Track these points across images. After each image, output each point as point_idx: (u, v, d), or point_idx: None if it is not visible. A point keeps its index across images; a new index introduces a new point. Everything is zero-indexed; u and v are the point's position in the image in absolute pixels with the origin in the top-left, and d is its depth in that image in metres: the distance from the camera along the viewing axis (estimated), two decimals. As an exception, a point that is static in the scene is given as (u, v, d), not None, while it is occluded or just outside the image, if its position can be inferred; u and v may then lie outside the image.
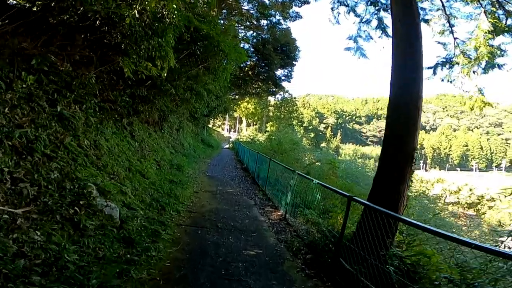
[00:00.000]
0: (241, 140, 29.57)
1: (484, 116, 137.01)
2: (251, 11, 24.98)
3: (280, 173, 8.20)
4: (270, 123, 46.87)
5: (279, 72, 29.69)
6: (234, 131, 68.45)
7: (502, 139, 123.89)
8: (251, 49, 26.68)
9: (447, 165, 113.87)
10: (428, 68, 7.53)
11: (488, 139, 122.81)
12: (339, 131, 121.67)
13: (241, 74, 28.77)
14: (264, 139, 26.14)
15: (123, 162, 6.07)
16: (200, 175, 11.57)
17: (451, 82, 7.41)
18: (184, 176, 9.49)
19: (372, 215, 3.37)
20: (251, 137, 30.98)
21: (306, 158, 17.50)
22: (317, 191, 5.17)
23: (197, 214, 6.04)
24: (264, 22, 25.84)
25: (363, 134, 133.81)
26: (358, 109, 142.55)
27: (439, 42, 7.67)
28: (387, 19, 8.16)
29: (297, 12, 25.67)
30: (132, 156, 6.97)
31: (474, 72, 6.79)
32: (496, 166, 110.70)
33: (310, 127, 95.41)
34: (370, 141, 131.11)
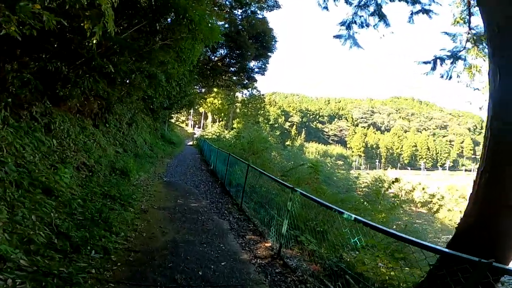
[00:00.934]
0: (207, 137, 27.06)
1: (432, 119, 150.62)
2: (226, 2, 22.51)
3: (263, 182, 6.29)
4: (237, 119, 44.79)
5: (253, 63, 27.54)
6: (199, 127, 64.94)
7: (446, 140, 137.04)
8: (223, 37, 24.22)
9: (399, 164, 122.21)
10: (425, 62, 6.85)
11: (434, 140, 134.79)
12: (303, 129, 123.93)
13: (209, 65, 26.13)
14: (233, 137, 24.05)
15: (10, 171, 3.61)
16: (155, 181, 9.14)
17: (450, 78, 6.78)
18: (129, 185, 7.07)
19: None
20: (217, 134, 28.60)
21: (285, 161, 15.87)
22: (355, 231, 3.10)
23: (141, 255, 3.80)
24: (238, 12, 23.47)
25: (325, 133, 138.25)
26: (321, 108, 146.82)
27: (446, 33, 6.72)
28: (387, 5, 6.94)
29: (275, 1, 23.73)
30: (38, 161, 4.47)
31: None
32: (441, 166, 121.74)
33: (276, 125, 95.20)
34: (331, 140, 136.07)
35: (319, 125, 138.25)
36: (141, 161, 10.40)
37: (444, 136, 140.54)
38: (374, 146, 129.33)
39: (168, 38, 8.06)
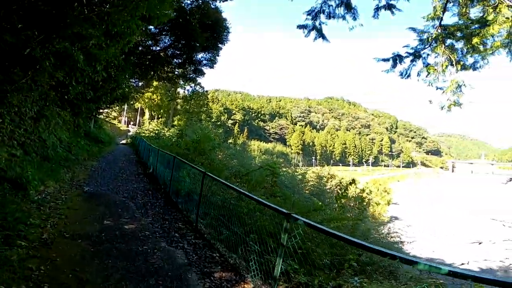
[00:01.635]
0: (144, 135, 23.96)
1: (358, 118, 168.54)
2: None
3: (229, 196, 4.93)
4: (178, 116, 41.56)
5: (201, 55, 24.86)
6: (134, 124, 58.62)
7: (369, 139, 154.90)
8: (167, 28, 21.29)
9: (331, 161, 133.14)
10: (384, 60, 6.49)
11: (360, 139, 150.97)
12: (246, 127, 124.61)
13: (149, 56, 22.91)
14: (174, 135, 21.76)
15: None
16: (71, 192, 6.89)
17: (409, 76, 6.50)
18: (26, 202, 4.93)
19: None
20: (156, 132, 25.65)
21: (234, 162, 14.57)
22: None
23: None
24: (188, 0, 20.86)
25: (266, 131, 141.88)
26: (263, 107, 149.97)
27: (413, 29, 6.36)
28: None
29: (231, -10, 21.86)
30: None
31: (452, 65, 5.64)
32: (365, 162, 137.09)
33: (219, 123, 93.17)
34: (272, 138, 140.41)
35: (261, 123, 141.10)
36: (51, 166, 7.88)
37: (367, 135, 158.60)
38: (310, 144, 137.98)
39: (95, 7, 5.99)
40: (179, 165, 7.57)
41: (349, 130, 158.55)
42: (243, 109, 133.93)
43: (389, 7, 6.01)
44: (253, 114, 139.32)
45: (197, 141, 13.71)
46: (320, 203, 9.18)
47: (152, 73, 24.89)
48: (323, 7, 6.69)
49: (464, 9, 4.81)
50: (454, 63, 5.31)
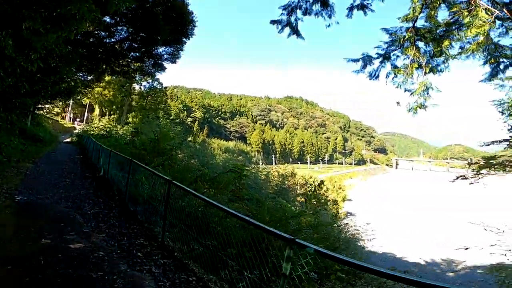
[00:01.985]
0: (93, 132, 21.61)
1: (315, 118, 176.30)
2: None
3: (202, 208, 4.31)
4: (133, 113, 38.55)
5: (162, 49, 22.86)
6: (81, 121, 53.07)
7: (325, 137, 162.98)
8: (124, 19, 19.12)
9: (290, 158, 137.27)
10: (354, 60, 6.42)
11: (316, 137, 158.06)
12: (206, 125, 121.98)
13: (100, 49, 20.50)
14: (128, 133, 20.07)
15: None
16: (-2, 204, 5.67)
17: (377, 77, 6.49)
18: None
19: None
20: (108, 130, 23.39)
21: (195, 161, 13.77)
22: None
23: None
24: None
25: (227, 129, 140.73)
26: (223, 105, 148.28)
27: (385, 30, 6.25)
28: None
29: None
30: None
31: (421, 67, 5.66)
32: (321, 159, 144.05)
33: (177, 120, 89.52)
34: (232, 136, 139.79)
35: (222, 121, 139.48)
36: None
37: (323, 134, 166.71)
38: (270, 142, 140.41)
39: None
40: (137, 169, 6.74)
41: (307, 129, 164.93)
42: (203, 107, 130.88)
43: (362, 7, 5.96)
44: (214, 112, 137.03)
45: (155, 140, 12.65)
46: (292, 207, 9.05)
47: (105, 66, 22.44)
48: (300, 2, 6.46)
49: (432, 11, 4.88)
50: (423, 65, 5.32)
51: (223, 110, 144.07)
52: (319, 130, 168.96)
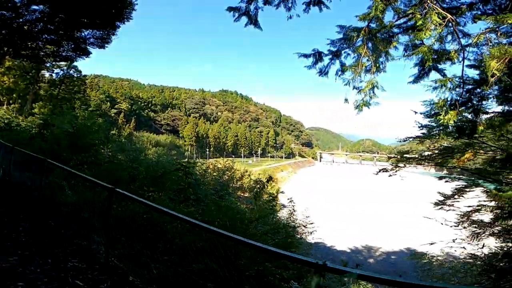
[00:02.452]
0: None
1: (249, 112, 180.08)
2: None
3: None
4: (41, 103, 32.08)
5: (88, 32, 18.41)
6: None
7: (258, 131, 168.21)
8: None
9: (225, 152, 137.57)
10: (305, 55, 6.31)
11: (250, 131, 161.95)
12: (133, 118, 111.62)
13: (2, 31, 15.90)
14: (35, 125, 16.69)
15: None
16: None
17: (326, 74, 6.52)
18: None
19: None
20: (6, 121, 18.89)
21: (121, 156, 12.21)
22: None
23: None
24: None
25: (157, 122, 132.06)
26: (154, 96, 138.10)
27: (340, 26, 6.19)
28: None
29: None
30: None
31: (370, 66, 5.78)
32: (254, 153, 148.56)
33: (98, 112, 79.28)
34: (164, 129, 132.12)
35: (152, 114, 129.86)
36: None
37: (256, 128, 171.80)
38: (204, 136, 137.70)
39: None
40: (52, 170, 5.50)
41: (241, 123, 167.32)
42: (131, 98, 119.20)
43: (318, 2, 5.84)
44: (143, 104, 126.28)
45: (73, 134, 10.66)
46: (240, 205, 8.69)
47: (6, 48, 17.69)
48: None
49: (380, 14, 4.97)
50: (372, 64, 5.38)
51: (153, 102, 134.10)
52: (253, 124, 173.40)
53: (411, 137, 8.90)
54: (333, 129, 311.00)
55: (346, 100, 5.93)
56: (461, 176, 8.23)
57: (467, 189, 7.78)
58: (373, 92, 5.45)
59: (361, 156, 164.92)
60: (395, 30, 5.40)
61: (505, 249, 6.67)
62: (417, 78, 5.83)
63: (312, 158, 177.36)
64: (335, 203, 47.42)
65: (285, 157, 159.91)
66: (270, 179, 9.56)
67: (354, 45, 5.73)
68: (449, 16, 4.18)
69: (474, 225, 7.44)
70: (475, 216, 7.58)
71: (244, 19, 6.09)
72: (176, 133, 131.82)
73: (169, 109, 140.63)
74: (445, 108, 4.75)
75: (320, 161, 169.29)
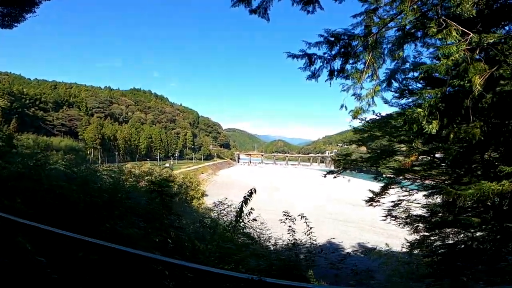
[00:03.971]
0: None
1: (164, 113, 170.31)
2: None
3: None
4: None
5: None
6: None
7: (175, 133, 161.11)
8: None
9: (137, 155, 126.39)
10: (294, 56, 5.72)
11: (166, 133, 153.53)
12: (14, 117, 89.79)
13: None
14: None
15: None
16: None
17: (318, 77, 5.96)
18: None
19: None
20: None
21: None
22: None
23: None
24: None
25: (49, 122, 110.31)
26: (45, 93, 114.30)
27: (346, 30, 5.61)
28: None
29: None
30: None
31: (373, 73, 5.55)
32: (171, 155, 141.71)
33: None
34: (57, 130, 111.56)
35: (41, 113, 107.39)
36: None
37: (173, 129, 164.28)
38: (111, 138, 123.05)
39: None
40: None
41: (155, 124, 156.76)
42: (11, 94, 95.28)
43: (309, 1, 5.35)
44: (28, 102, 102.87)
45: None
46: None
47: None
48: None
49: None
50: (376, 72, 5.22)
51: (43, 99, 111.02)
52: (169, 126, 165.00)
53: (353, 141, 9.26)
54: (249, 130, 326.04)
55: (343, 106, 5.58)
56: (391, 176, 8.51)
57: (390, 187, 8.30)
58: (373, 100, 5.26)
59: (274, 156, 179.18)
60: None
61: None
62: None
63: (230, 159, 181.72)
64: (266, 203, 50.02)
65: (203, 159, 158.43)
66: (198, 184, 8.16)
67: (356, 51, 5.43)
68: (471, 34, 4.05)
69: (410, 219, 8.15)
70: (396, 211, 8.45)
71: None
72: (74, 135, 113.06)
73: (64, 107, 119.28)
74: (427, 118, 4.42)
75: (238, 162, 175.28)
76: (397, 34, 5.28)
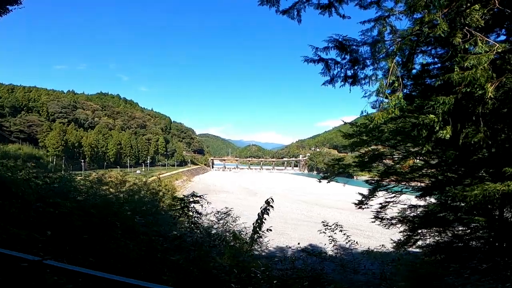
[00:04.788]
0: None
1: (134, 118, 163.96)
2: None
3: None
4: None
5: None
6: None
7: (146, 139, 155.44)
8: None
9: (105, 163, 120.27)
10: (312, 60, 5.77)
11: (136, 139, 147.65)
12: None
13: None
14: None
15: None
16: None
17: (334, 83, 6.09)
18: None
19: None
20: None
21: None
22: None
23: None
24: None
25: (5, 128, 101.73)
26: (1, 97, 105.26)
27: (338, 37, 5.73)
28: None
29: None
30: None
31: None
32: (143, 162, 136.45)
33: None
34: (15, 137, 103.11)
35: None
36: None
37: (144, 135, 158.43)
38: (76, 145, 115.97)
39: None
40: None
41: (125, 130, 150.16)
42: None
43: (329, 5, 5.49)
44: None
45: None
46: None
47: None
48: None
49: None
50: (399, 79, 4.88)
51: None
52: (139, 132, 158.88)
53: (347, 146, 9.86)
54: (222, 136, 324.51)
55: (365, 112, 5.56)
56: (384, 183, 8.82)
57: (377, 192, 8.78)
58: (395, 107, 4.92)
59: (249, 161, 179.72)
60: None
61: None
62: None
63: (205, 164, 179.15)
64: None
65: (177, 165, 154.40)
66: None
67: (378, 57, 5.38)
68: (497, 45, 4.16)
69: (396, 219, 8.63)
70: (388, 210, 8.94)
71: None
72: (34, 141, 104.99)
73: (23, 112, 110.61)
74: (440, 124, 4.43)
75: (213, 167, 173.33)
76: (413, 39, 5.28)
